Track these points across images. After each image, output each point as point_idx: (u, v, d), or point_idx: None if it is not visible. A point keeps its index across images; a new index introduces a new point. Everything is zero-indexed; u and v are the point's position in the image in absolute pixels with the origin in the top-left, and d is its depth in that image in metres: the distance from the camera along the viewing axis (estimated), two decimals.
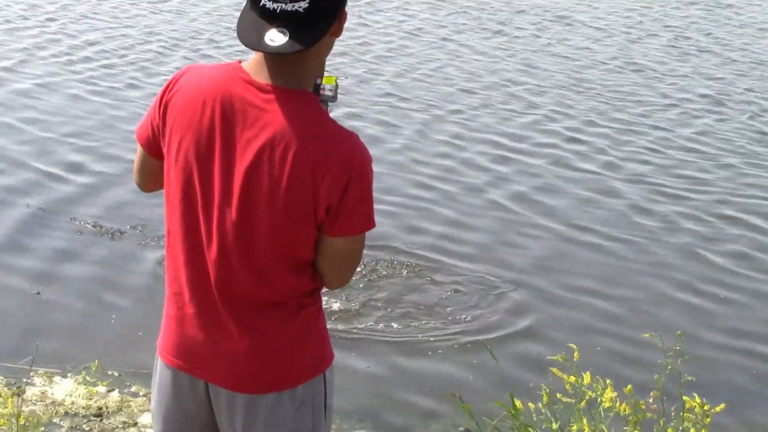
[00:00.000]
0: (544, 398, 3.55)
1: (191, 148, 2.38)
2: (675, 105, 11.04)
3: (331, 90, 2.97)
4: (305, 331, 2.48)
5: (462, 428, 4.92)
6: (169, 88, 2.45)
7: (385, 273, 6.68)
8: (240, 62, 2.42)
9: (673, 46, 13.82)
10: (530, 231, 7.52)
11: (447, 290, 6.48)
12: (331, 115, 2.42)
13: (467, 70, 11.79)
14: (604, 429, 3.38)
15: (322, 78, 2.93)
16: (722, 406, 3.53)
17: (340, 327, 5.89)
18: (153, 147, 2.51)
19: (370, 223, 2.43)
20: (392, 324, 6.01)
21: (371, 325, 5.98)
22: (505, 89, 11.15)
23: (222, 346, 2.43)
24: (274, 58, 2.34)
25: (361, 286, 6.44)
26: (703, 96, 11.46)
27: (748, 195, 8.52)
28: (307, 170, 2.30)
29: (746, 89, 11.89)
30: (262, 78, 2.35)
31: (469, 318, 6.14)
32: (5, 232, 6.65)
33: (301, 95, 2.37)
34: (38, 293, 5.87)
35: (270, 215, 2.33)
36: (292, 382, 2.47)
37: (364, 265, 6.68)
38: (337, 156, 2.32)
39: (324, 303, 5.93)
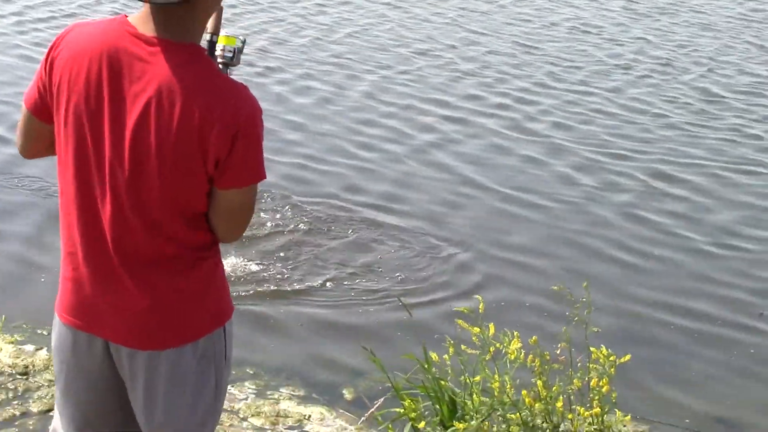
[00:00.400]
0: (450, 350, 3.58)
1: (80, 105, 2.35)
2: (624, 66, 11.11)
3: (230, 51, 2.88)
4: (204, 284, 2.48)
5: (390, 384, 4.97)
6: (55, 46, 2.42)
7: (324, 231, 6.72)
8: (126, 16, 2.39)
9: (626, 8, 13.88)
10: (470, 192, 7.58)
11: (384, 250, 6.52)
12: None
13: (414, 30, 11.81)
14: (507, 379, 3.42)
15: (217, 36, 2.87)
16: (628, 357, 3.57)
17: (272, 285, 5.93)
18: (41, 110, 2.47)
19: (260, 175, 2.42)
20: (327, 282, 6.05)
21: (305, 282, 6.02)
22: (454, 51, 11.18)
23: (119, 304, 2.42)
24: (160, 9, 2.32)
25: (297, 243, 6.47)
26: (654, 57, 11.53)
27: (691, 155, 8.60)
28: (195, 123, 2.29)
29: (695, 50, 11.98)
30: (149, 31, 2.33)
31: (401, 276, 6.18)
32: None
33: (189, 48, 2.34)
34: None
35: (159, 169, 2.32)
36: (193, 336, 2.47)
37: (302, 221, 6.74)
38: (224, 108, 2.30)
39: (257, 260, 6.07)
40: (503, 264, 6.48)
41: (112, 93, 2.32)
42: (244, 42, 2.92)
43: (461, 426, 3.45)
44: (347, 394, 4.99)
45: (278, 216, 6.89)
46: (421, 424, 3.57)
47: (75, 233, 2.44)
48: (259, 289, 5.89)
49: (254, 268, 6.13)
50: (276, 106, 8.92)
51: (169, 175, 2.33)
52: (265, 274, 6.03)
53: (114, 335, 2.45)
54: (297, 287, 5.98)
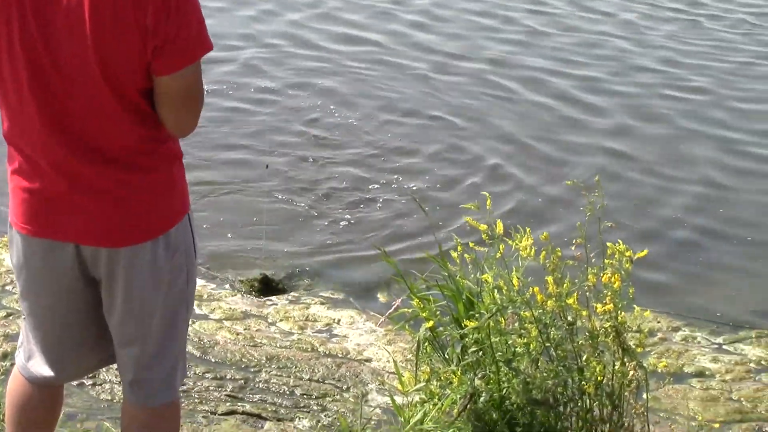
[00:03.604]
0: (458, 248, 3.51)
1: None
2: None
3: None
4: (167, 175, 2.45)
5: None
6: None
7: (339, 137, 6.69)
8: None
9: None
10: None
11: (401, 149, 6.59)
12: None
13: None
14: (515, 276, 3.34)
15: None
16: (645, 252, 3.46)
17: (303, 186, 5.93)
18: None
19: (204, 45, 2.30)
20: (349, 186, 6.05)
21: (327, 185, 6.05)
22: None
23: (90, 205, 2.37)
24: None
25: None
26: None
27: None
28: (129, 6, 2.19)
29: None
30: None
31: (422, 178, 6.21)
32: None
33: None
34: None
35: (101, 60, 2.23)
36: (165, 227, 2.46)
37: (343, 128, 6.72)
38: None
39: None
40: (516, 159, 6.52)
41: None
42: None
43: (471, 324, 3.39)
44: (381, 298, 4.98)
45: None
46: (429, 324, 3.52)
47: (30, 142, 2.34)
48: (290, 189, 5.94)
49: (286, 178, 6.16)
50: None
51: (112, 64, 2.23)
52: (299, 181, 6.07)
53: (88, 237, 2.40)
54: (323, 188, 6.02)
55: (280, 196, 5.89)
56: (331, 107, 7.17)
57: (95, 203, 2.38)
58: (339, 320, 4.74)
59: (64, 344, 2.60)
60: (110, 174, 2.36)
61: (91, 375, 4.20)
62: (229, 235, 5.49)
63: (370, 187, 6.10)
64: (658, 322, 4.65)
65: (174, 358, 2.61)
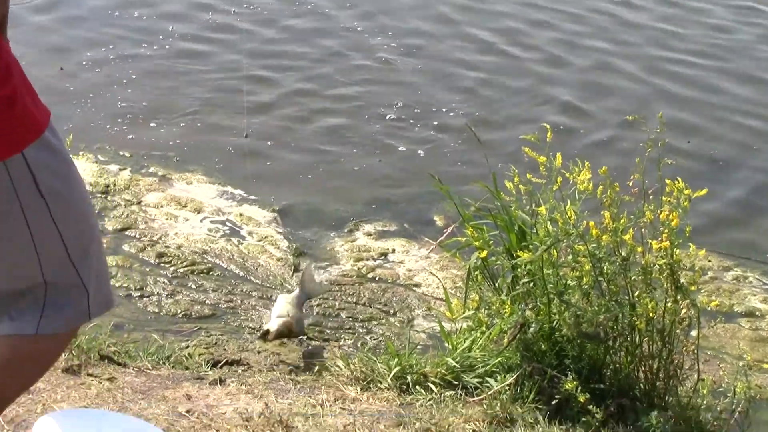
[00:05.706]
0: (515, 179, 3.47)
1: None
2: None
3: None
4: None
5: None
6: None
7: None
8: None
9: None
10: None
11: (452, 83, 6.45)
12: None
13: None
14: (570, 209, 3.30)
15: None
16: (704, 191, 3.40)
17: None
18: None
19: None
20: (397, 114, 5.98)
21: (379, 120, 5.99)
22: None
23: None
24: None
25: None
26: None
27: None
28: None
29: None
30: None
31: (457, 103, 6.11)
32: None
33: None
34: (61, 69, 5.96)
35: None
36: None
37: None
38: None
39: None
40: (575, 91, 6.36)
41: None
42: None
43: (525, 255, 3.36)
44: (438, 222, 4.93)
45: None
46: (483, 254, 3.50)
47: None
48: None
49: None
50: None
51: None
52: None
53: None
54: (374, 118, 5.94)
55: (330, 132, 5.82)
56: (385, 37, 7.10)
57: None
58: (394, 249, 4.69)
59: None
60: None
61: (139, 287, 4.27)
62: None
63: (426, 114, 6.01)
64: (709, 260, 4.61)
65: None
